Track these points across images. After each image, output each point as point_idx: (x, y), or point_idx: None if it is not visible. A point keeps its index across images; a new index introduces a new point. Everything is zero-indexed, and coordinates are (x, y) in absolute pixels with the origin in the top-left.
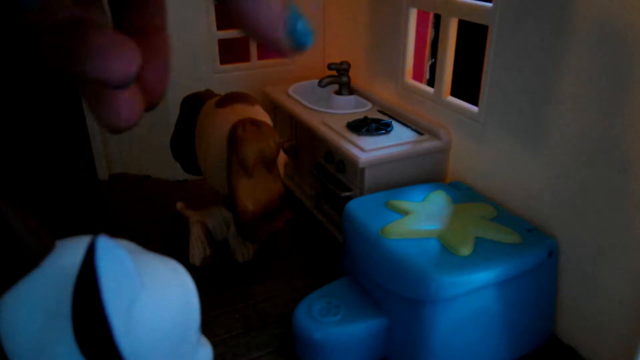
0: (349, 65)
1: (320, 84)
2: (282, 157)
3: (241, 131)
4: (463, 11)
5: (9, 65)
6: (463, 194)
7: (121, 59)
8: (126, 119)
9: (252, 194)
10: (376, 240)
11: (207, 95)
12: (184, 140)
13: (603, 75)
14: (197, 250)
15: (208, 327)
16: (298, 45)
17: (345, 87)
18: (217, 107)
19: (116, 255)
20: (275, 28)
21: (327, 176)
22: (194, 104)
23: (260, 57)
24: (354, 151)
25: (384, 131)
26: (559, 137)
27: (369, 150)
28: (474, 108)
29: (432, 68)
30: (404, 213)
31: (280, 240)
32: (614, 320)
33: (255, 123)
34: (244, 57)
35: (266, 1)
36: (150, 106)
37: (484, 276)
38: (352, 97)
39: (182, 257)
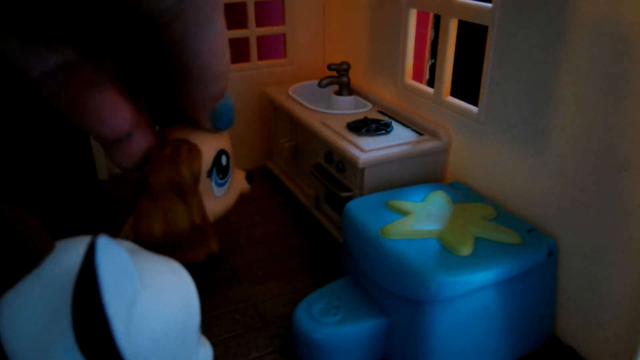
0: (349, 65)
1: (320, 85)
2: (238, 182)
3: (155, 153)
4: (463, 11)
5: (8, 68)
6: (463, 194)
7: (115, 120)
8: (129, 161)
9: (153, 219)
10: (376, 241)
11: None
12: None
13: (603, 75)
14: None
15: (208, 327)
16: (217, 126)
17: (345, 88)
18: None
19: (116, 255)
20: (203, 110)
21: (327, 176)
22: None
23: (260, 58)
24: (354, 151)
25: (383, 131)
26: (559, 137)
27: (368, 150)
28: (474, 108)
29: (432, 68)
30: (404, 213)
31: (280, 241)
32: (614, 320)
33: (177, 147)
34: (244, 57)
35: (204, 88)
36: None
37: (484, 276)
38: (352, 97)
39: None
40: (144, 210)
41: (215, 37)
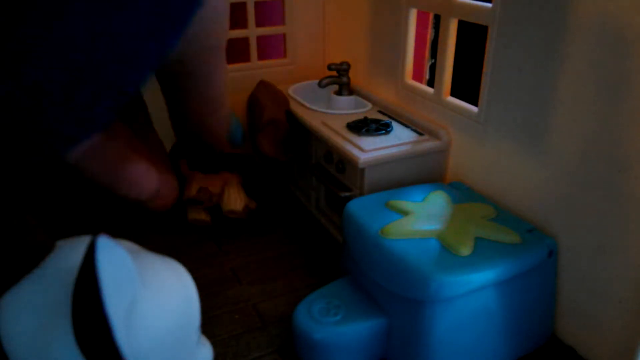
0: (349, 65)
1: (320, 85)
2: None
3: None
4: (463, 11)
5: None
6: (463, 194)
7: (151, 186)
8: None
9: (275, 109)
10: (376, 241)
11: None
12: None
13: (603, 75)
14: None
15: (208, 327)
16: (233, 144)
17: (345, 88)
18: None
19: (116, 254)
20: (222, 133)
21: (327, 176)
22: None
23: (260, 58)
24: (354, 151)
25: (383, 131)
26: (559, 137)
27: (368, 150)
28: (474, 108)
29: (432, 68)
30: (404, 213)
31: (280, 241)
32: (614, 320)
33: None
34: (244, 57)
35: (220, 111)
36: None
37: (484, 276)
38: (352, 97)
39: (182, 257)
40: (267, 104)
41: (223, 67)
